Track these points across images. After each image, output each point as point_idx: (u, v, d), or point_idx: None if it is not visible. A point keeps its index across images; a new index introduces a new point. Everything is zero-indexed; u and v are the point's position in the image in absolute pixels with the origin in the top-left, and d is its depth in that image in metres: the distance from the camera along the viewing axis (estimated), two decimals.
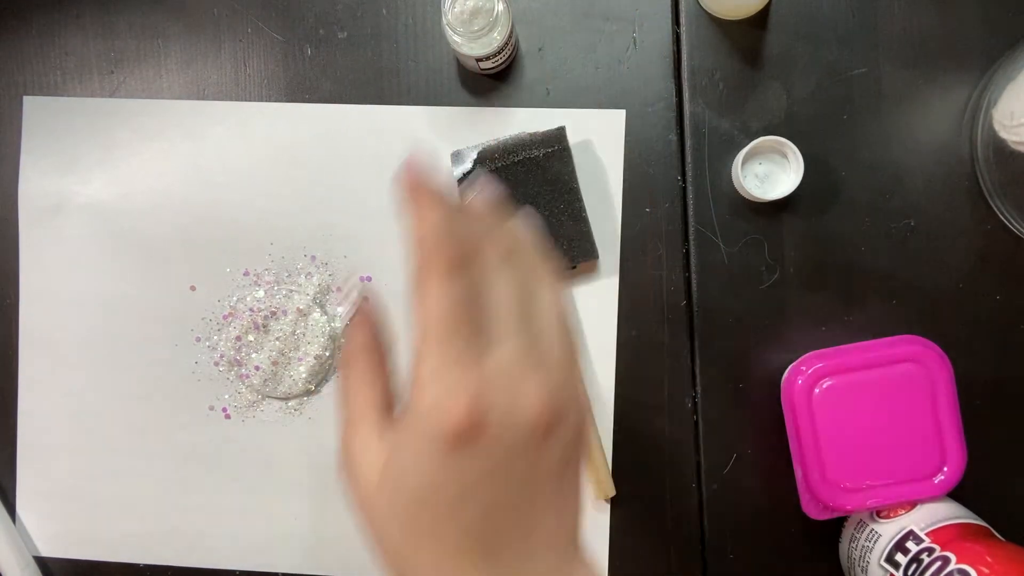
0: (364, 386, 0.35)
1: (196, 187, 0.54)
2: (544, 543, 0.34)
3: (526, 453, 0.33)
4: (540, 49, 0.53)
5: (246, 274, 0.54)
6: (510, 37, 0.49)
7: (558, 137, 0.51)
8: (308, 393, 0.53)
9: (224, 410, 0.54)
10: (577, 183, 0.51)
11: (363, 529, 0.34)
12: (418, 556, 0.33)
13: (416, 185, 0.33)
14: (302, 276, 0.54)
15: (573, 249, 0.51)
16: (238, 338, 0.53)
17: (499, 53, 0.49)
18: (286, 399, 0.53)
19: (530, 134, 0.51)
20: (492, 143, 0.51)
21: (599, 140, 0.53)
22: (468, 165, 0.51)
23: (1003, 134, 0.48)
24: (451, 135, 0.53)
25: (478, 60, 0.49)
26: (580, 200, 0.51)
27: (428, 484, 0.32)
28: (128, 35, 0.55)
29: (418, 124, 0.53)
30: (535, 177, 0.51)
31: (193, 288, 0.54)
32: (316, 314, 0.53)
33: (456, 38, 0.48)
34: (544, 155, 0.51)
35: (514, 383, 0.32)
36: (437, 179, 0.34)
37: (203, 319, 0.54)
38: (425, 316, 0.32)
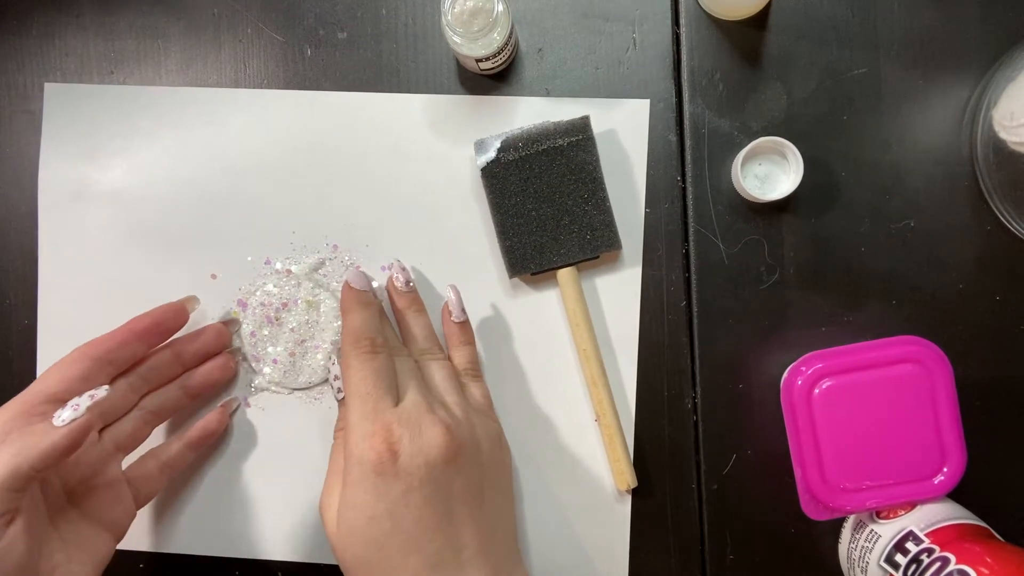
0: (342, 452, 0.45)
1: (217, 175, 0.54)
2: (476, 558, 0.43)
3: (437, 475, 0.43)
4: (540, 50, 0.53)
5: (267, 262, 0.54)
6: (510, 37, 0.49)
7: (582, 126, 0.51)
8: (325, 384, 0.53)
9: (244, 399, 0.54)
10: (601, 173, 0.51)
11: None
12: None
13: (350, 293, 0.47)
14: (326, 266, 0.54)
15: (596, 239, 0.51)
16: (252, 333, 0.53)
17: (499, 54, 0.49)
18: (308, 388, 0.53)
19: (554, 123, 0.51)
20: (516, 131, 0.51)
21: (623, 130, 0.53)
22: (492, 154, 0.51)
23: (1003, 134, 0.48)
24: (474, 123, 0.53)
25: (478, 61, 0.49)
26: (604, 190, 0.51)
27: (365, 509, 0.42)
28: (128, 35, 0.55)
29: (442, 111, 0.53)
30: (558, 166, 0.51)
31: (214, 276, 0.54)
32: (327, 300, 0.53)
33: (456, 39, 0.48)
34: (568, 144, 0.51)
35: (417, 421, 0.43)
36: (368, 292, 0.48)
37: (224, 308, 0.54)
38: (348, 384, 0.45)
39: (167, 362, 0.50)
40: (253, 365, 0.53)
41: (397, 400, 0.45)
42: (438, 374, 0.48)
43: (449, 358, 0.51)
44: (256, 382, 0.54)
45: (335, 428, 0.48)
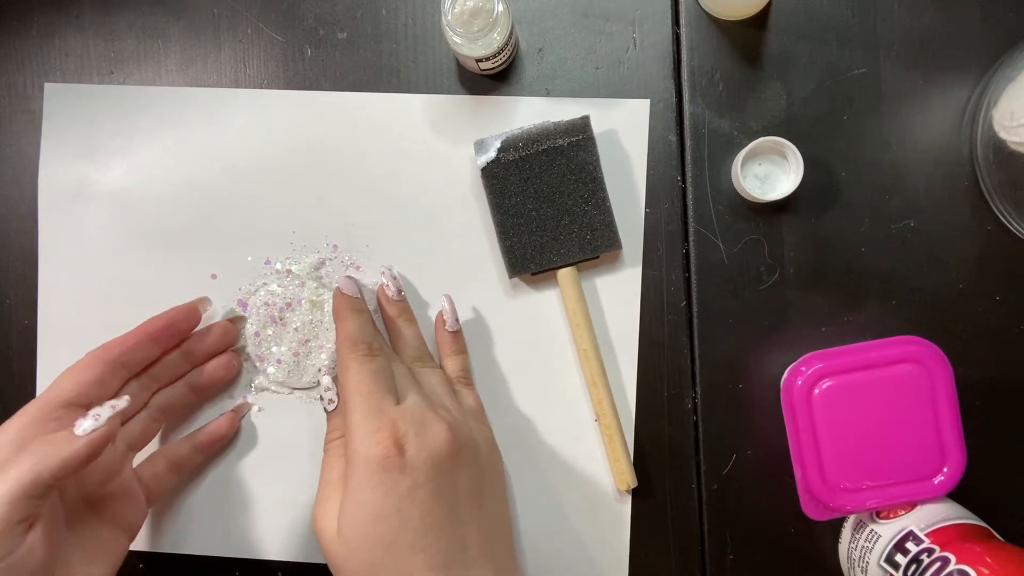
0: (341, 462, 0.45)
1: (217, 175, 0.54)
2: (480, 559, 0.42)
3: (443, 471, 0.43)
4: (540, 50, 0.53)
5: (267, 262, 0.54)
6: (510, 38, 0.49)
7: (582, 126, 0.51)
8: (332, 381, 0.53)
9: (244, 398, 0.54)
10: (601, 173, 0.51)
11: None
12: None
13: (342, 300, 0.48)
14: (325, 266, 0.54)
15: (596, 239, 0.51)
16: (256, 333, 0.53)
17: (499, 54, 0.49)
18: (311, 388, 0.53)
19: (554, 123, 0.51)
20: (516, 131, 0.51)
21: (623, 130, 0.53)
22: (492, 154, 0.51)
23: (1003, 134, 0.48)
24: (474, 123, 0.53)
25: (478, 61, 0.49)
26: (604, 190, 0.51)
27: (372, 506, 0.41)
28: (128, 35, 0.55)
29: (441, 111, 0.53)
30: (559, 166, 0.51)
31: (214, 276, 0.54)
32: (331, 300, 0.53)
33: (456, 39, 0.48)
34: (568, 144, 0.51)
35: (421, 418, 0.43)
36: (360, 299, 0.48)
37: (224, 307, 0.54)
38: (347, 386, 0.44)
39: (176, 361, 0.51)
40: (257, 365, 0.53)
41: (398, 400, 0.45)
42: (432, 380, 0.49)
43: (441, 366, 0.51)
44: (257, 382, 0.54)
45: (326, 440, 0.48)
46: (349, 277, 0.49)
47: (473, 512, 0.44)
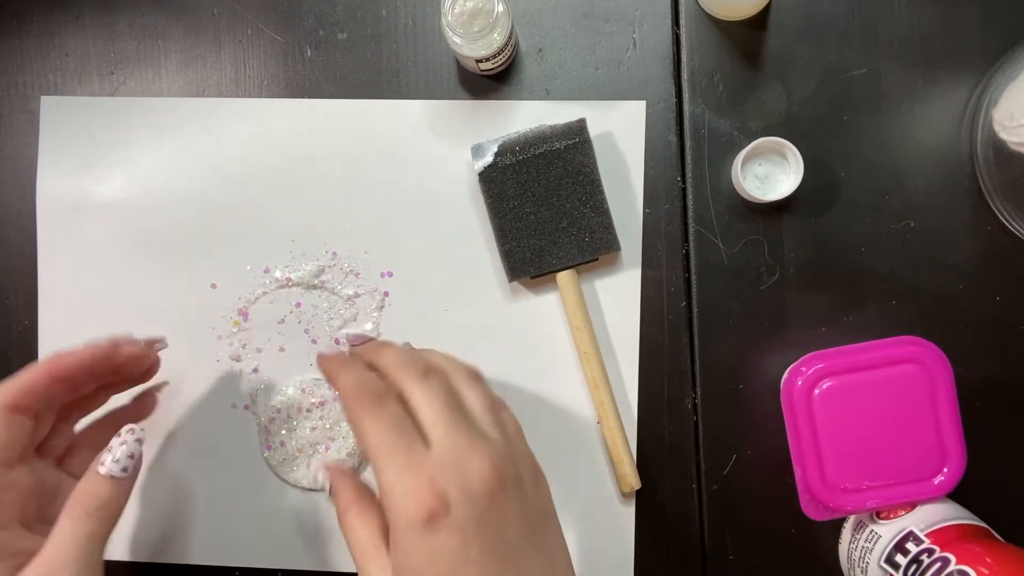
0: (364, 528, 0.41)
1: (216, 184, 0.54)
2: None
3: (491, 516, 0.39)
4: (540, 50, 0.53)
5: (267, 271, 0.54)
6: (510, 38, 0.49)
7: (579, 129, 0.51)
8: (310, 491, 0.53)
9: (246, 407, 0.54)
10: (598, 175, 0.51)
11: None
12: None
13: (330, 361, 0.43)
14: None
15: (594, 241, 0.51)
16: (278, 410, 0.53)
17: (499, 54, 0.49)
18: (294, 485, 0.53)
19: (551, 126, 0.51)
20: (512, 136, 0.51)
21: (620, 132, 0.53)
22: (489, 158, 0.51)
23: (1003, 135, 0.48)
24: (472, 127, 0.53)
25: (478, 61, 0.49)
26: (601, 192, 0.51)
27: (424, 571, 0.38)
28: (128, 36, 0.55)
29: (439, 116, 0.53)
30: (556, 169, 0.51)
31: (214, 286, 0.54)
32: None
33: (456, 39, 0.48)
34: (565, 147, 0.51)
35: (459, 462, 0.39)
36: (343, 353, 0.45)
37: (224, 317, 0.54)
38: (367, 443, 0.40)
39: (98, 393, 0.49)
40: (262, 437, 0.53)
41: (425, 442, 0.40)
42: (469, 393, 0.44)
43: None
44: (258, 387, 0.54)
45: (337, 511, 0.43)
46: (328, 349, 0.49)
47: (529, 553, 0.40)
